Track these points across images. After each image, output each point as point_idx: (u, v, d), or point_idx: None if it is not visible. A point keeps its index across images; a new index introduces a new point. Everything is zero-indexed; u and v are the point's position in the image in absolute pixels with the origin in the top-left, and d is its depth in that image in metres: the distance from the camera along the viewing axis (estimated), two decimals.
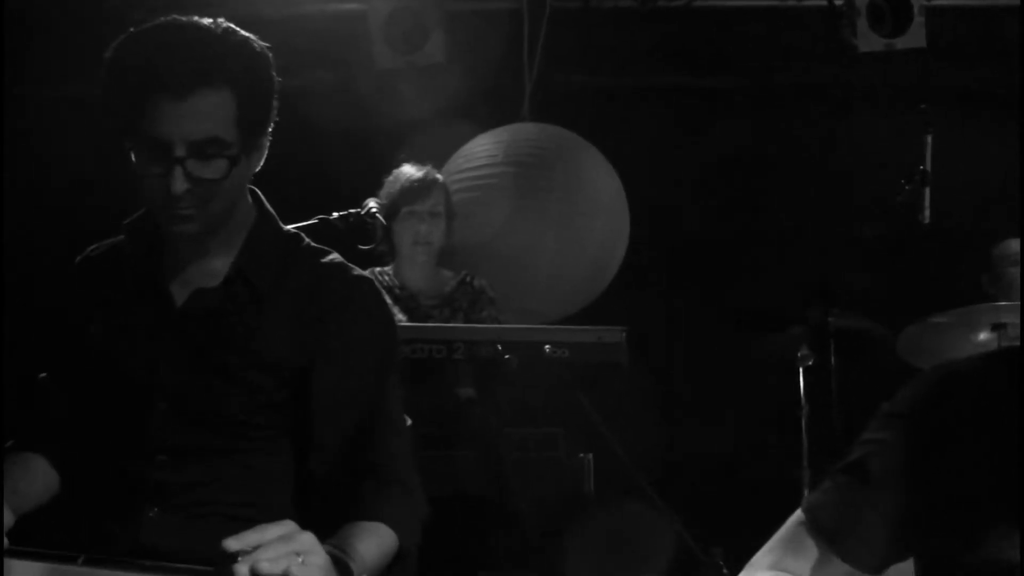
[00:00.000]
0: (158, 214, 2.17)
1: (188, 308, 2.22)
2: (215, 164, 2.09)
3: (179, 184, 2.05)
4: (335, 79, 5.60)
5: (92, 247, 2.40)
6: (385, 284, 4.24)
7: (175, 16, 2.12)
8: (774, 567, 1.87)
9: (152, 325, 2.23)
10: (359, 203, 3.50)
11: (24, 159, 5.16)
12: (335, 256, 2.33)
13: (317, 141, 5.16)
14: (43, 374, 2.37)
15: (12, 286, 4.96)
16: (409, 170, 4.31)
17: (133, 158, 2.11)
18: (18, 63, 5.26)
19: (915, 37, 5.25)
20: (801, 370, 4.42)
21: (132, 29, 2.10)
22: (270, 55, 2.17)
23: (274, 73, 2.17)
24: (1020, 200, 4.44)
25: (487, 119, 5.12)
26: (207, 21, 2.11)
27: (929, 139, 4.03)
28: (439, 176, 4.39)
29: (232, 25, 2.14)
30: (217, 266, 2.25)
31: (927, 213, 3.98)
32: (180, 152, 2.05)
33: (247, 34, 2.14)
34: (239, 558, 1.64)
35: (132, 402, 2.20)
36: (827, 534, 1.84)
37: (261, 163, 2.25)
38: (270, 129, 2.22)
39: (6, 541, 1.94)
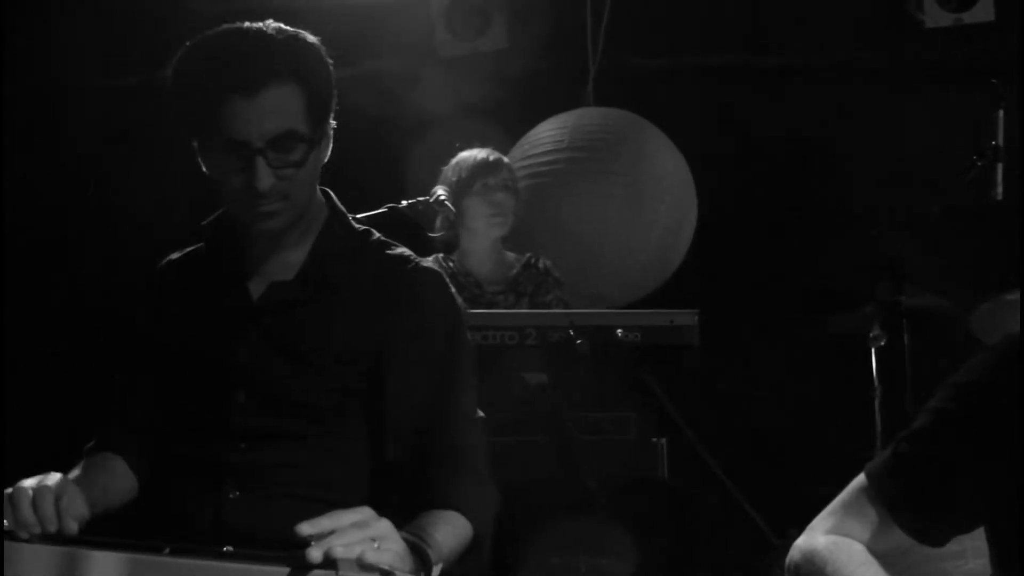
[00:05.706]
0: (242, 212, 2.23)
1: (264, 300, 2.29)
2: (293, 156, 2.15)
3: (264, 179, 2.12)
4: (392, 68, 5.60)
5: (172, 255, 2.48)
6: (449, 271, 4.24)
7: (226, 25, 2.18)
8: (834, 531, 1.88)
9: (230, 318, 2.30)
10: (425, 191, 3.51)
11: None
12: (402, 249, 2.39)
13: (374, 132, 5.17)
14: (119, 375, 2.42)
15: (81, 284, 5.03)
16: (473, 151, 4.34)
17: (206, 163, 2.19)
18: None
19: (984, 11, 5.18)
20: (873, 350, 4.37)
21: (188, 43, 2.17)
22: (321, 45, 2.23)
23: (329, 61, 2.23)
24: None
25: (550, 104, 5.11)
26: (258, 25, 2.17)
27: (1001, 114, 3.98)
28: (504, 156, 4.42)
29: (281, 24, 2.20)
30: (292, 260, 2.31)
31: (1000, 189, 3.94)
32: (260, 146, 2.11)
33: (296, 30, 2.21)
34: (313, 543, 1.65)
35: (212, 391, 2.26)
36: (888, 503, 1.85)
37: (329, 152, 2.30)
38: (332, 116, 2.27)
39: (74, 526, 1.95)
